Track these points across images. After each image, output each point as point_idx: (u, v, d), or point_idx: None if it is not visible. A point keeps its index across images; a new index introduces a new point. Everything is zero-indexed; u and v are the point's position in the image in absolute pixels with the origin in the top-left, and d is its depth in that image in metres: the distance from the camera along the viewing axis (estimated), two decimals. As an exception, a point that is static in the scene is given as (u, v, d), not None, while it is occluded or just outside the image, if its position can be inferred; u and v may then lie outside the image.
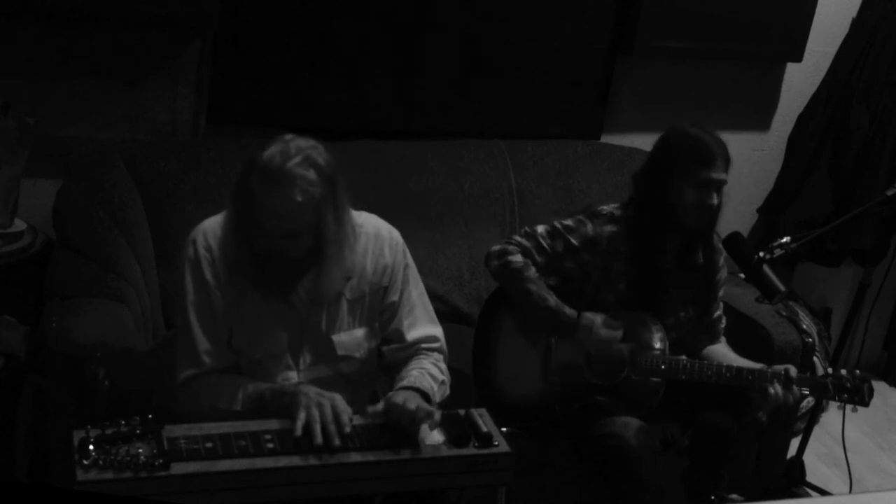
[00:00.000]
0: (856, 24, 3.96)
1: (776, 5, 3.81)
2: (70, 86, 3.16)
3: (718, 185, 2.69)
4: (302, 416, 2.10)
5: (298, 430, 2.08)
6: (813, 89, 4.04)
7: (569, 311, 2.74)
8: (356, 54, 3.39)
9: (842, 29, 3.99)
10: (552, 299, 2.75)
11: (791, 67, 4.07)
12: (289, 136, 2.19)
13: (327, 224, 2.20)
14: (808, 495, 3.49)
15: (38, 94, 3.12)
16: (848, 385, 2.68)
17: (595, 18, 3.65)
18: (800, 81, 4.09)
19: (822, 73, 4.02)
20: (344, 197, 2.23)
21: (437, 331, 2.49)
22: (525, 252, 2.79)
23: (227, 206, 2.29)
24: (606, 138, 3.83)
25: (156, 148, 3.17)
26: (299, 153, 2.14)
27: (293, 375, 2.34)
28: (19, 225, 3.09)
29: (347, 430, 2.11)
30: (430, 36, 3.47)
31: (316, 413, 2.11)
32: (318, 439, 2.07)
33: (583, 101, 3.77)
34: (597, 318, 2.73)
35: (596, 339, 2.71)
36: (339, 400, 2.16)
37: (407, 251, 2.44)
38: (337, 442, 2.09)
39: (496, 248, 2.82)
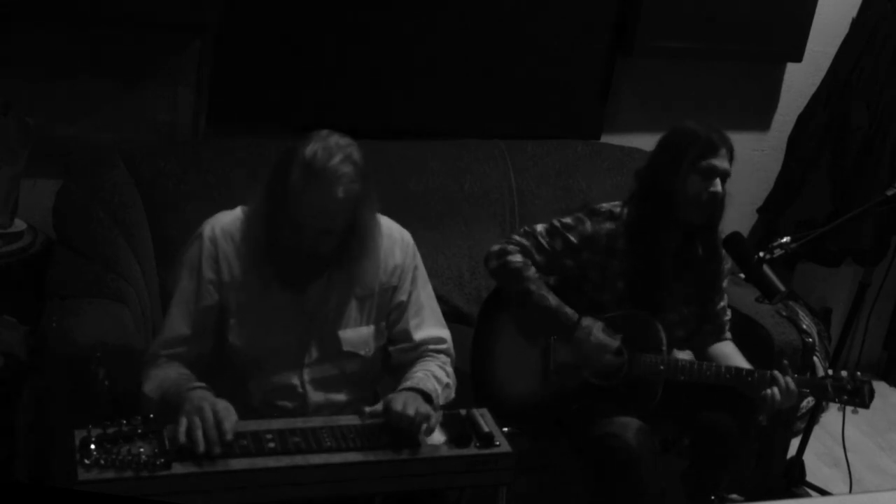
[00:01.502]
0: (856, 24, 3.96)
1: (776, 5, 3.81)
2: (70, 86, 3.16)
3: (723, 174, 2.70)
4: (183, 422, 2.06)
5: (182, 437, 2.03)
6: (813, 89, 4.04)
7: (569, 311, 2.74)
8: (356, 54, 3.39)
9: (842, 29, 3.99)
10: (552, 299, 2.75)
11: (791, 67, 4.07)
12: (325, 132, 2.21)
13: (364, 220, 2.24)
14: (808, 495, 3.50)
15: (38, 94, 3.12)
16: (848, 387, 2.68)
17: (595, 18, 3.65)
18: (800, 81, 4.09)
19: (822, 73, 4.02)
20: (375, 194, 2.27)
21: (444, 333, 2.49)
22: (524, 251, 2.79)
23: (250, 202, 2.30)
24: (606, 138, 3.83)
25: (156, 148, 3.17)
26: (339, 150, 2.17)
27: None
28: (19, 225, 3.08)
29: (229, 437, 2.05)
30: (431, 36, 3.47)
31: (197, 420, 2.05)
32: (200, 447, 2.02)
33: (583, 101, 3.77)
34: (596, 324, 2.73)
35: (592, 343, 2.72)
36: (223, 406, 2.11)
37: (417, 253, 2.46)
38: (217, 450, 2.03)
39: (495, 248, 2.83)
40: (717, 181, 2.69)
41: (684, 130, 2.75)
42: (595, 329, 2.72)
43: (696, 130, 2.73)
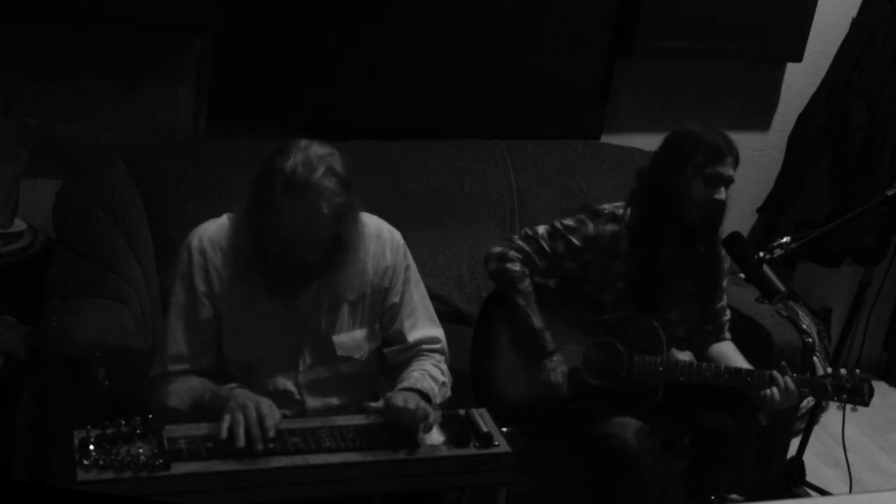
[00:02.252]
0: (856, 24, 3.96)
1: (776, 5, 3.81)
2: (70, 86, 3.16)
3: (727, 182, 2.71)
4: (227, 418, 2.07)
5: (223, 433, 2.05)
6: (813, 89, 4.04)
7: (548, 341, 2.76)
8: (356, 54, 3.39)
9: (842, 29, 3.99)
10: (537, 321, 2.76)
11: (791, 67, 4.07)
12: (304, 143, 2.16)
13: (348, 230, 2.21)
14: (808, 495, 3.50)
15: (38, 94, 3.12)
16: (847, 385, 2.68)
17: (595, 18, 3.65)
18: (800, 81, 4.09)
19: (822, 73, 4.02)
20: (359, 201, 2.23)
21: (438, 332, 2.49)
22: (525, 258, 2.78)
23: (235, 211, 2.28)
24: (606, 138, 3.83)
25: (156, 148, 3.17)
26: (321, 163, 2.12)
27: (289, 380, 2.34)
28: (19, 225, 3.09)
29: (271, 433, 2.07)
30: (430, 36, 3.47)
31: (240, 416, 2.07)
32: (240, 442, 2.04)
33: (583, 101, 3.77)
34: (561, 367, 2.75)
35: (548, 380, 2.74)
36: (266, 404, 2.13)
37: (408, 252, 2.44)
38: (259, 446, 2.05)
39: (496, 250, 2.82)
40: (722, 189, 2.69)
41: (691, 134, 2.74)
42: (557, 371, 2.75)
43: (703, 136, 2.71)
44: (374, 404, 2.21)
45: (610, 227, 2.78)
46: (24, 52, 3.08)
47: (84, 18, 3.01)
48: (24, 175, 3.07)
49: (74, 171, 3.05)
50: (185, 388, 2.26)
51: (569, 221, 2.81)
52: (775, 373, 2.66)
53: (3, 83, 3.05)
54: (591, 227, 2.78)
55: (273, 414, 2.11)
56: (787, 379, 2.65)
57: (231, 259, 2.28)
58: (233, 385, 2.23)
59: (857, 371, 2.70)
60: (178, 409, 2.23)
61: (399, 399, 2.19)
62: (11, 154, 3.01)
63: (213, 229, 2.31)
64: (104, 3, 2.98)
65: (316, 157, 2.13)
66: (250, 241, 2.22)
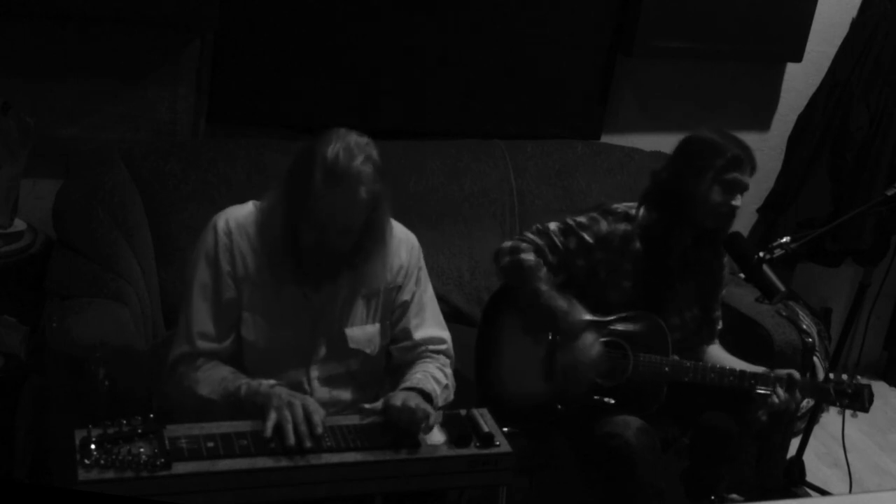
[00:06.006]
0: (856, 24, 3.96)
1: (776, 5, 3.81)
2: (70, 86, 3.16)
3: (743, 189, 2.72)
4: (273, 416, 2.09)
5: (268, 431, 2.07)
6: (813, 89, 4.04)
7: (577, 319, 2.73)
8: (356, 54, 3.39)
9: (842, 29, 3.99)
10: (563, 301, 2.74)
11: (791, 67, 4.07)
12: (342, 131, 2.21)
13: (380, 219, 2.26)
14: (808, 495, 3.50)
15: (38, 94, 3.12)
16: (849, 391, 2.69)
17: (595, 18, 3.65)
18: (800, 81, 4.09)
19: (822, 73, 4.02)
20: (390, 191, 2.28)
21: (444, 334, 2.50)
22: (538, 250, 2.77)
23: (263, 199, 2.30)
24: (606, 138, 3.83)
25: (156, 148, 3.16)
26: (360, 151, 2.18)
27: (300, 370, 2.34)
28: (19, 225, 3.08)
29: (319, 430, 2.09)
30: (431, 36, 3.47)
31: (287, 414, 2.09)
32: (290, 440, 2.06)
33: (583, 101, 3.77)
34: (597, 343, 2.72)
35: (581, 354, 2.71)
36: (311, 401, 2.15)
37: (422, 256, 2.48)
38: (308, 443, 2.07)
39: (507, 244, 2.81)
40: (738, 195, 2.71)
41: (711, 141, 2.73)
42: (595, 347, 2.72)
43: (724, 144, 2.71)
44: (367, 406, 2.22)
45: (622, 227, 2.78)
46: (25, 52, 3.08)
47: (84, 18, 3.01)
48: (24, 175, 3.07)
49: (74, 171, 3.05)
50: (215, 377, 2.25)
51: (581, 219, 2.80)
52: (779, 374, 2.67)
53: (3, 83, 3.05)
54: (603, 225, 2.78)
55: (318, 411, 2.13)
56: (794, 384, 2.66)
57: (258, 246, 2.29)
58: (272, 382, 2.22)
59: (859, 377, 2.71)
60: (209, 399, 2.23)
61: (400, 399, 2.19)
62: (11, 154, 3.01)
63: (242, 214, 2.33)
64: (105, 3, 2.98)
65: (356, 144, 2.19)
66: (283, 230, 2.23)
